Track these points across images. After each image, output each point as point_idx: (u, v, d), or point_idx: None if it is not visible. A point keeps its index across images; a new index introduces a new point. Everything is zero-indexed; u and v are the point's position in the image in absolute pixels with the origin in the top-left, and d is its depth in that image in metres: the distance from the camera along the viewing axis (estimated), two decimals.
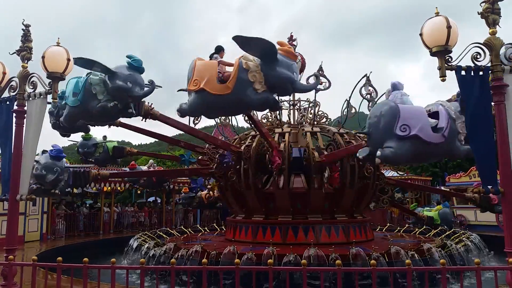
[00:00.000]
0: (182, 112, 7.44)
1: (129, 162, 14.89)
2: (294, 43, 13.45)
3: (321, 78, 11.73)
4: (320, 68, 12.05)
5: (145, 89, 7.14)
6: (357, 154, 7.26)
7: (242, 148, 10.72)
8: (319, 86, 11.75)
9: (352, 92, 10.88)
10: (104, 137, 11.70)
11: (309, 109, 12.68)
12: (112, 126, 9.39)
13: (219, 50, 7.89)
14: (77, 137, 11.01)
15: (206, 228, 15.68)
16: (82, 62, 6.62)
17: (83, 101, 7.03)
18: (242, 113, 7.45)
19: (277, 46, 6.76)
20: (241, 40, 6.41)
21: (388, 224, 16.14)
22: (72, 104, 7.16)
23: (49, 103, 6.87)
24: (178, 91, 7.54)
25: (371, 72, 10.77)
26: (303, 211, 10.69)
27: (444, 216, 14.15)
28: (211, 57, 7.76)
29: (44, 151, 8.90)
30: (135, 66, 6.98)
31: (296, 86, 7.16)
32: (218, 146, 11.10)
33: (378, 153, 6.53)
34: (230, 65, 7.29)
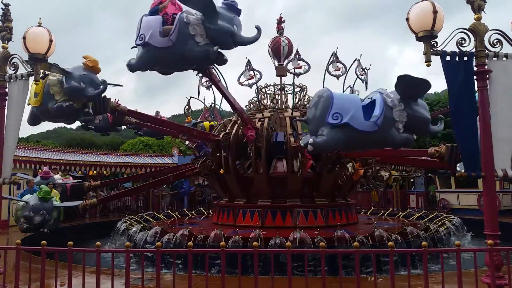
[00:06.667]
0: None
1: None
2: (282, 25, 13.44)
3: (299, 62, 11.90)
4: (297, 53, 12.16)
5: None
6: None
7: (221, 136, 10.74)
8: (298, 70, 11.89)
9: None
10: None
11: (295, 93, 12.66)
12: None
13: None
14: None
15: (193, 212, 15.72)
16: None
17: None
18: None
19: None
20: None
21: (372, 208, 16.39)
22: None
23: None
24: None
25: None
26: (283, 195, 10.80)
27: None
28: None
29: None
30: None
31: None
32: (194, 136, 11.20)
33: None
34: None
